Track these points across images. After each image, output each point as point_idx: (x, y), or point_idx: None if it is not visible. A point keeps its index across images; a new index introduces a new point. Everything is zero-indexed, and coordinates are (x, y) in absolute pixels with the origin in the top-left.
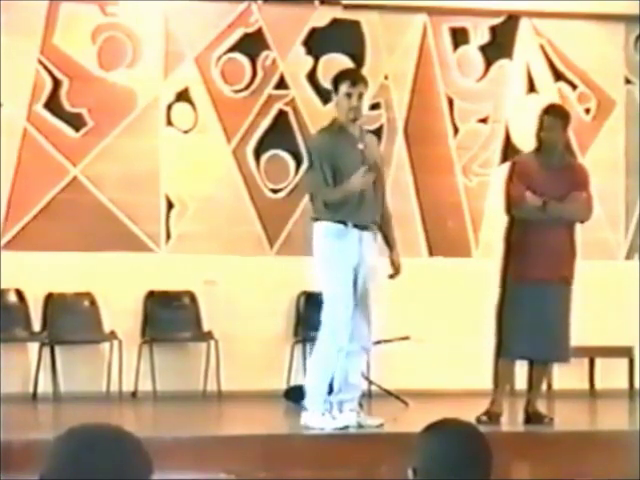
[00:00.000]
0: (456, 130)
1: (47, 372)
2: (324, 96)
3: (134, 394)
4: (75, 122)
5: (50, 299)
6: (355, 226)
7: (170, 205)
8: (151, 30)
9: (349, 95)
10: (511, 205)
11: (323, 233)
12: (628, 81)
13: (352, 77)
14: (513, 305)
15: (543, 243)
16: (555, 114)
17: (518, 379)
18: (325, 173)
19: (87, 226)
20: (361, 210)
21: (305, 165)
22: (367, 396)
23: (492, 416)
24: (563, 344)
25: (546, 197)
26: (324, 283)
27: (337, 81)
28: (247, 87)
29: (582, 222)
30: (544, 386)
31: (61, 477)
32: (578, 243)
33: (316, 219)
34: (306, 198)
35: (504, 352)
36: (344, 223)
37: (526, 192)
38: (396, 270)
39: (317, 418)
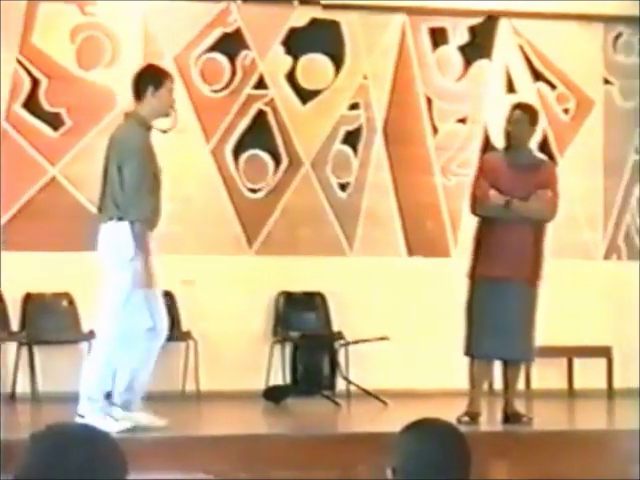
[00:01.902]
0: (435, 130)
1: (25, 372)
2: (303, 96)
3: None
4: (54, 122)
5: (28, 299)
6: (149, 228)
7: None
8: (130, 30)
9: (171, 91)
10: (475, 203)
11: (133, 234)
12: (607, 81)
13: (170, 73)
14: (478, 303)
15: (506, 241)
16: (523, 108)
17: (497, 379)
18: (149, 173)
19: (65, 226)
20: (157, 215)
21: (121, 164)
22: (346, 396)
23: (472, 416)
24: (526, 343)
25: (510, 196)
26: (124, 282)
27: (158, 77)
28: (226, 87)
29: (546, 221)
30: (523, 386)
31: (36, 476)
32: (547, 243)
33: (121, 218)
34: (285, 198)
35: (471, 351)
36: (147, 225)
37: (490, 190)
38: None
39: (100, 422)
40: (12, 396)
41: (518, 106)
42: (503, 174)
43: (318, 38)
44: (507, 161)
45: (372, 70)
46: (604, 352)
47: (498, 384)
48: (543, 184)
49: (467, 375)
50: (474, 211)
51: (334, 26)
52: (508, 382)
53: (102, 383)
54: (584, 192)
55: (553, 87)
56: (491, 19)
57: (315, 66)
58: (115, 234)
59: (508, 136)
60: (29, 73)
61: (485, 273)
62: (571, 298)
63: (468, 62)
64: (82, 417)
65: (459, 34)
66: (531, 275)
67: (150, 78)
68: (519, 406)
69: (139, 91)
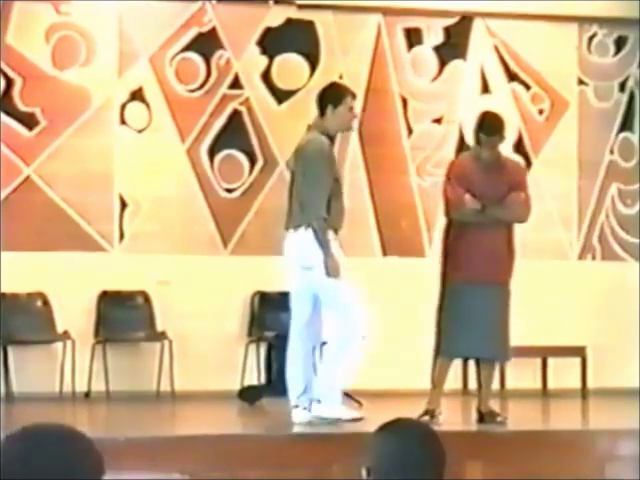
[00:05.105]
0: (410, 130)
1: None
2: (278, 96)
3: (87, 394)
4: (28, 121)
5: (3, 299)
6: (334, 231)
7: (124, 204)
8: (105, 29)
9: (352, 108)
10: (450, 208)
11: (314, 234)
12: (581, 82)
13: (352, 91)
14: (451, 306)
15: (480, 245)
16: (496, 120)
17: (471, 378)
18: (329, 183)
19: (40, 226)
20: (341, 217)
21: (303, 169)
22: None
23: (432, 414)
24: (501, 343)
25: (485, 199)
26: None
27: (340, 94)
28: (201, 87)
29: (521, 223)
30: (498, 385)
31: (11, 477)
32: (517, 243)
33: (299, 226)
34: (261, 198)
35: (443, 351)
36: (334, 230)
37: (465, 195)
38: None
39: (336, 409)
40: None
41: (490, 116)
42: (475, 177)
43: (293, 38)
44: (477, 164)
45: (347, 70)
46: (578, 352)
47: (473, 384)
48: (515, 185)
49: (430, 375)
50: (449, 215)
51: (309, 26)
52: (482, 381)
53: (341, 374)
54: (559, 192)
55: (528, 87)
56: (466, 19)
57: (290, 66)
58: (299, 241)
59: (478, 140)
60: (3, 73)
61: (460, 279)
62: (545, 298)
63: (443, 62)
64: (319, 402)
65: (434, 34)
66: (505, 277)
67: (330, 97)
68: (494, 406)
69: (321, 107)
